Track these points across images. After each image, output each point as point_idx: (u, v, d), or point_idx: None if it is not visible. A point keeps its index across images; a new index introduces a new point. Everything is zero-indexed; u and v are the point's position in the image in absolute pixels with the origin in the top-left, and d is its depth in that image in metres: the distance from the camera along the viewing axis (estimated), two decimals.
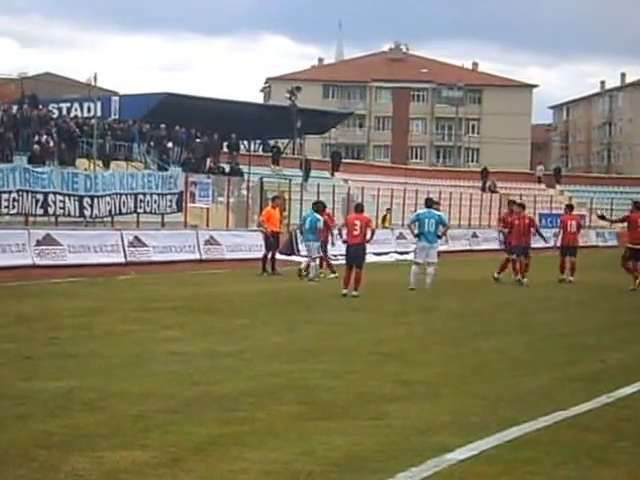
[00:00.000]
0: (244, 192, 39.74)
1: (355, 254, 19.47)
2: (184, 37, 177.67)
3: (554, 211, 51.03)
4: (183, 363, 10.31)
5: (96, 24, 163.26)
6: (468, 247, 32.64)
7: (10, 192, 25.60)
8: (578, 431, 7.46)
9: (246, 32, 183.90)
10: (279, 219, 26.12)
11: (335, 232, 23.50)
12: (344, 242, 20.47)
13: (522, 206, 25.20)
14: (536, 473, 6.24)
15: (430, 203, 21.96)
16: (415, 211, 27.84)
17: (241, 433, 7.13)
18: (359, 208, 20.89)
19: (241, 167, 43.55)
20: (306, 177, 44.66)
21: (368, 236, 19.88)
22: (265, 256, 25.28)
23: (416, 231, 21.05)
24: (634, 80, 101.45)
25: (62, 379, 9.14)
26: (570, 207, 26.37)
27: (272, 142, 54.02)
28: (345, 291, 18.97)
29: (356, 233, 19.57)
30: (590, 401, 8.59)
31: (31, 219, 27.02)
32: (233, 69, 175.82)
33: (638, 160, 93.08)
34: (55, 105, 44.41)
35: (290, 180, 42.02)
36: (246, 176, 40.88)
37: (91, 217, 28.53)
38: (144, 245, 27.40)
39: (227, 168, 42.50)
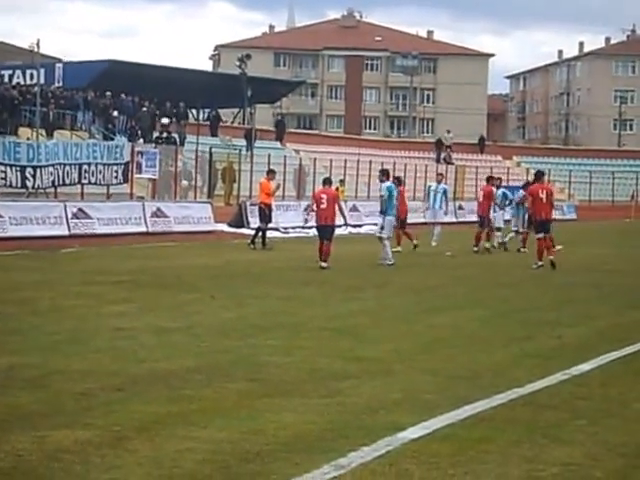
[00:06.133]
0: (192, 162, 39.28)
1: (324, 230, 19.65)
2: (125, 1, 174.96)
3: (510, 183, 50.89)
4: (128, 339, 10.12)
5: None
6: (423, 219, 32.58)
7: None
8: (534, 409, 7.40)
9: None
10: (273, 191, 25.73)
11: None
12: (308, 212, 20.96)
13: (398, 179, 25.53)
14: (490, 452, 6.17)
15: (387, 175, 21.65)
16: (368, 183, 28.00)
17: (188, 411, 7.01)
18: (326, 182, 20.83)
19: (189, 136, 43.02)
20: (249, 147, 44.15)
21: (339, 213, 20.01)
22: (259, 228, 24.96)
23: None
24: (592, 49, 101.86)
25: (2, 356, 8.94)
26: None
27: (222, 111, 53.37)
28: (324, 264, 19.05)
29: (323, 207, 19.62)
30: (546, 378, 8.53)
31: None
32: (179, 36, 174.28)
33: (596, 131, 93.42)
34: None
35: (240, 150, 41.68)
36: (194, 146, 40.38)
37: (33, 188, 27.97)
38: (89, 217, 26.91)
39: (175, 138, 41.89)
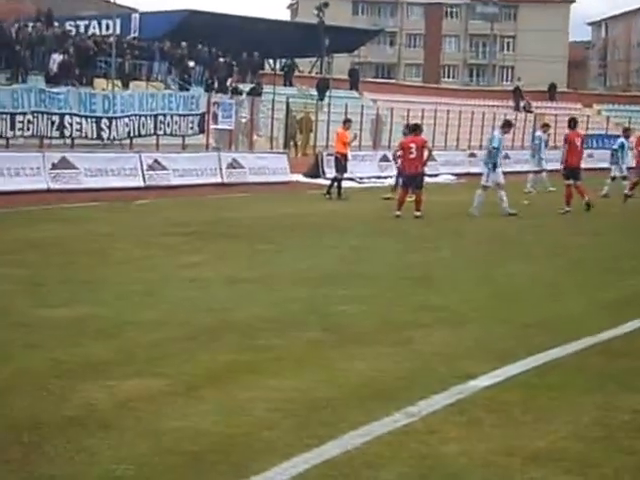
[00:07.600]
0: (269, 112, 39.13)
1: (412, 179, 19.38)
2: None
3: (589, 132, 49.49)
4: (201, 289, 10.10)
5: None
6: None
7: (25, 113, 24.91)
8: (607, 357, 7.24)
9: None
10: (350, 141, 25.65)
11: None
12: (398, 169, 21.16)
13: (416, 126, 22.39)
14: (561, 399, 6.09)
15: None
16: (445, 133, 27.64)
17: (259, 361, 6.96)
18: (416, 130, 20.31)
19: (265, 87, 42.84)
20: (322, 97, 43.82)
21: (425, 156, 19.59)
22: (335, 179, 24.90)
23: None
24: None
25: (75, 306, 8.95)
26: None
27: (299, 61, 52.89)
28: (398, 213, 18.78)
29: (412, 157, 19.26)
30: (621, 326, 8.33)
31: (46, 141, 26.39)
32: None
33: None
34: (72, 23, 43.13)
35: (317, 100, 41.43)
36: (271, 96, 40.20)
37: (109, 139, 27.94)
38: (164, 168, 26.92)
39: (251, 88, 41.74)
